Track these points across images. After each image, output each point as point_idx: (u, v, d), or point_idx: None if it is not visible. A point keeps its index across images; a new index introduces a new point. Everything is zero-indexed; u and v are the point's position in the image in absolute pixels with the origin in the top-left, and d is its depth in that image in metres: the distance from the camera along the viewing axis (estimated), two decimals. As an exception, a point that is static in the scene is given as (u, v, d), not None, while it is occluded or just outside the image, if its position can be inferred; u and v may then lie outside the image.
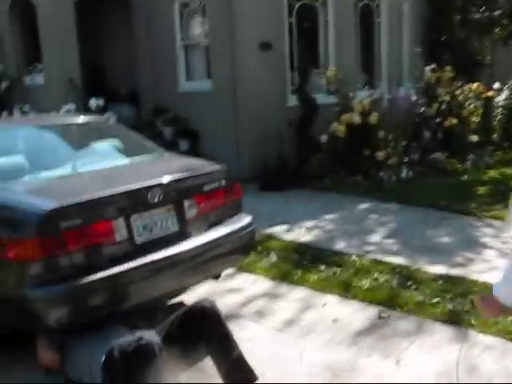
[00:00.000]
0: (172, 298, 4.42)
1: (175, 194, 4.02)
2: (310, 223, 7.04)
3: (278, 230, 6.77)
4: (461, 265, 5.32)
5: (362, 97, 9.63)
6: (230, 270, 5.32)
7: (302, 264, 5.52)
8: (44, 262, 3.35)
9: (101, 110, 9.89)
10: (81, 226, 3.47)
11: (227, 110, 9.76)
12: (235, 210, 4.53)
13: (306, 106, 9.53)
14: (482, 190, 8.36)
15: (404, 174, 9.17)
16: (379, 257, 5.62)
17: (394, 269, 5.23)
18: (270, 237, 6.47)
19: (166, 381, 2.94)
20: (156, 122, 10.92)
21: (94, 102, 9.67)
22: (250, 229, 4.51)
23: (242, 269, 5.44)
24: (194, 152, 10.31)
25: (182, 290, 4.37)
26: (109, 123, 5.50)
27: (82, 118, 5.55)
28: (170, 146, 10.36)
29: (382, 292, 4.73)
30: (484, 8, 12.44)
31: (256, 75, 9.52)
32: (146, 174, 4.25)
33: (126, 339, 3.12)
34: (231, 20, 9.45)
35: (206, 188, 4.25)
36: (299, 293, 4.91)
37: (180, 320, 3.36)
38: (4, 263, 3.46)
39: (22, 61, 11.51)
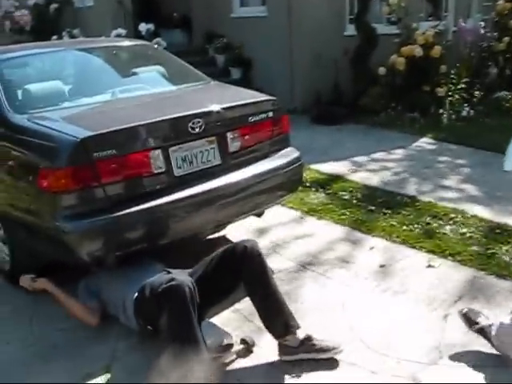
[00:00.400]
0: (211, 233, 4.25)
1: (218, 125, 3.77)
2: (365, 161, 6.68)
3: (331, 167, 6.46)
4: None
5: (426, 28, 9.00)
6: (297, 214, 5.17)
7: (353, 203, 5.29)
8: (76, 194, 3.21)
9: (151, 36, 9.61)
10: (115, 157, 3.28)
11: (282, 38, 9.32)
12: (282, 144, 4.25)
13: (365, 35, 8.97)
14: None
15: (465, 112, 8.59)
16: (435, 201, 5.27)
17: (464, 217, 4.84)
18: (323, 174, 6.20)
19: (196, 322, 2.78)
20: (208, 49, 10.62)
21: (144, 27, 9.36)
22: (297, 164, 4.23)
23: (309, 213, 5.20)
24: (245, 81, 10.01)
25: (222, 225, 4.19)
26: (155, 49, 5.22)
27: (127, 43, 5.33)
28: (222, 74, 10.13)
29: (432, 239, 4.43)
30: None
31: (313, 1, 8.99)
32: (188, 103, 4.02)
33: (157, 279, 2.97)
34: None
35: (252, 120, 3.98)
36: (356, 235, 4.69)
37: (218, 260, 3.18)
38: (38, 193, 3.33)
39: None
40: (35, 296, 3.86)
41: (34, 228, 3.49)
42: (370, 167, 6.45)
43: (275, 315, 3.05)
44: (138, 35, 9.57)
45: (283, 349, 3.03)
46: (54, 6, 10.65)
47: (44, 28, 10.57)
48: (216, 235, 4.41)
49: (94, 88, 4.26)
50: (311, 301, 3.62)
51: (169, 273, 3.11)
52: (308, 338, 3.02)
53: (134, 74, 4.56)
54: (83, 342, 3.36)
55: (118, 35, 8.88)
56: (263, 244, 4.53)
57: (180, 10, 11.37)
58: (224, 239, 4.62)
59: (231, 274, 3.12)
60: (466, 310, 3.20)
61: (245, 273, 3.08)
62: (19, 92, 3.99)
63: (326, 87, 8.92)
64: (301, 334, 3.04)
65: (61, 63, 4.58)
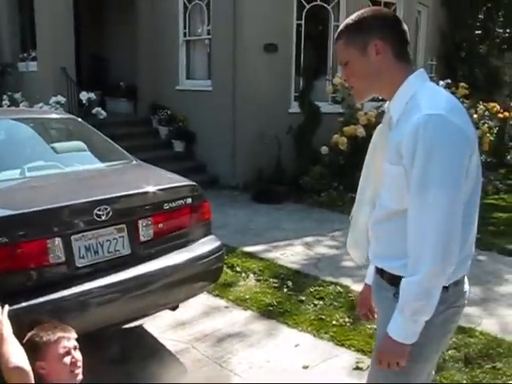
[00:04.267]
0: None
1: (128, 212, 3.50)
2: (300, 244, 6.46)
3: (265, 250, 6.19)
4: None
5: (370, 108, 9.05)
6: (222, 303, 4.84)
7: (284, 292, 5.01)
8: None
9: (94, 104, 9.40)
10: (7, 245, 2.95)
11: (225, 113, 9.26)
12: (202, 233, 3.98)
13: (308, 113, 8.99)
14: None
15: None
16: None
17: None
18: (255, 258, 5.92)
19: None
20: (152, 120, 10.47)
21: (84, 96, 9.13)
22: (217, 254, 3.95)
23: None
24: (188, 154, 9.87)
25: (134, 319, 3.83)
26: (79, 123, 4.93)
27: (52, 116, 5.07)
28: (165, 146, 9.97)
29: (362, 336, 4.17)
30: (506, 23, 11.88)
31: (258, 78, 9.02)
32: (99, 187, 3.74)
33: None
34: (236, 19, 8.94)
35: (167, 206, 3.70)
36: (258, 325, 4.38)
37: None
38: None
39: (17, 47, 11.12)
40: None
41: None
42: (305, 252, 6.23)
43: None
44: (79, 103, 9.36)
45: None
46: (-4, 69, 10.44)
47: (-15, 91, 10.30)
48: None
49: (4, 164, 3.95)
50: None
51: None
52: None
53: (51, 150, 4.27)
54: None
55: (57, 102, 8.64)
56: (180, 337, 4.20)
57: (127, 80, 11.25)
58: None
59: None
60: None
61: None
62: None
63: (269, 164, 8.80)
64: None
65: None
